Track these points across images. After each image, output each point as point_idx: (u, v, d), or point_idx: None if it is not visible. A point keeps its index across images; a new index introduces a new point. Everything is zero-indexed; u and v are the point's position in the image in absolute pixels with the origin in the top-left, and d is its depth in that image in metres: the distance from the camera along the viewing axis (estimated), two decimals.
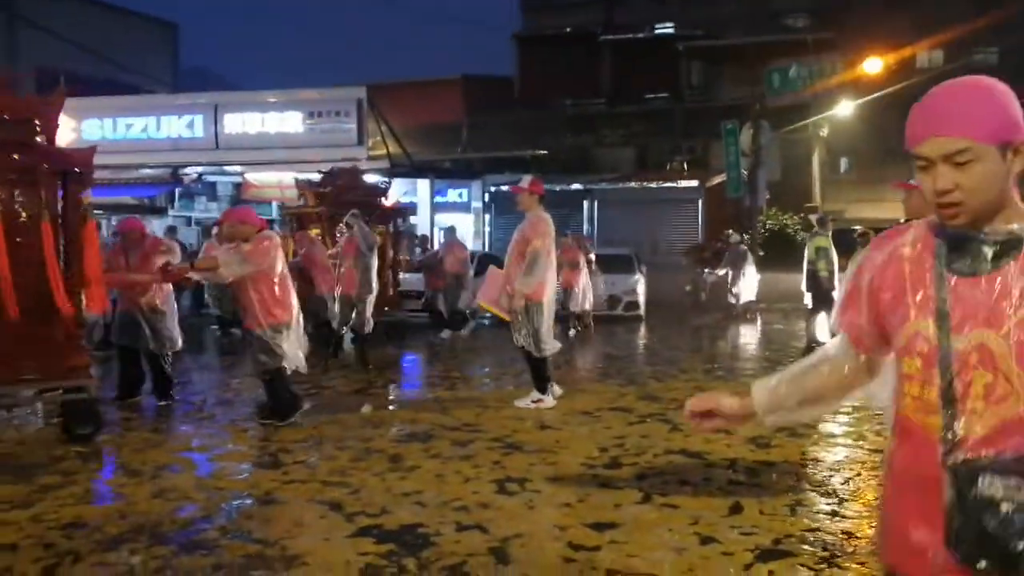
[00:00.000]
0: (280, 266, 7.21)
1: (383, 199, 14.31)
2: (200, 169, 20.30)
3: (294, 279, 11.55)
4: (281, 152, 17.55)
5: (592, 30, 31.92)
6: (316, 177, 14.15)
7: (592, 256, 15.95)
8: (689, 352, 12.95)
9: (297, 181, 15.17)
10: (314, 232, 13.08)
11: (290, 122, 18.80)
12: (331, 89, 20.12)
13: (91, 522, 4.85)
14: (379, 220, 13.61)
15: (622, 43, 31.28)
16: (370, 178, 15.04)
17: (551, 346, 8.01)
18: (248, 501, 5.27)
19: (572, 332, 14.47)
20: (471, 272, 14.74)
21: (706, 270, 19.93)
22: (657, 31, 33.92)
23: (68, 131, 19.90)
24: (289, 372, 7.33)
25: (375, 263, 10.75)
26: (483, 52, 41.00)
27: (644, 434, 7.04)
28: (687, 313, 18.80)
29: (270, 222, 13.47)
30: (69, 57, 23.44)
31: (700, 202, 23.88)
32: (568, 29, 32.59)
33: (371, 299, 10.68)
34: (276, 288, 7.13)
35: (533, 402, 7.96)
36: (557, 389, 8.18)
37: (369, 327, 10.75)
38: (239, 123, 19.07)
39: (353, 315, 10.67)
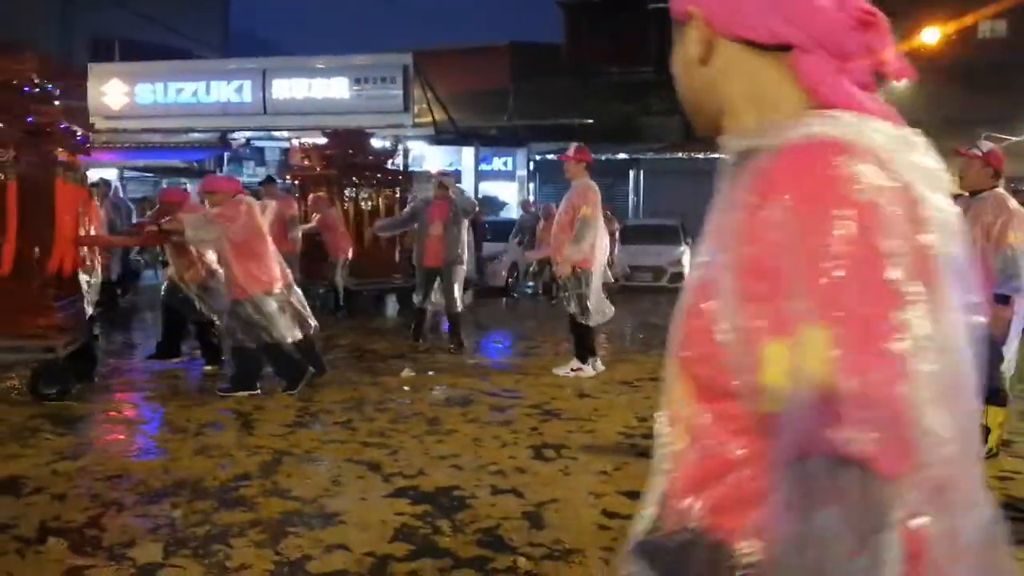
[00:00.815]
0: (258, 231, 7.00)
1: (391, 162, 14.04)
2: (248, 134, 20.47)
3: (307, 243, 11.77)
4: (328, 118, 17.57)
5: None
6: (321, 141, 13.98)
7: (616, 228, 15.66)
8: None
9: (301, 144, 15.01)
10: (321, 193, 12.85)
11: (337, 88, 18.86)
12: (378, 55, 20.11)
13: (135, 475, 4.97)
14: (386, 184, 13.46)
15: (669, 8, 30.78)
16: (376, 142, 14.84)
17: (599, 316, 7.97)
18: (288, 460, 5.35)
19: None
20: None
21: None
22: None
23: (121, 95, 20.22)
24: (285, 341, 7.08)
25: (466, 232, 9.86)
26: (531, 18, 40.58)
27: None
28: None
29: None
30: (123, 24, 23.76)
31: None
32: None
33: (461, 272, 9.57)
34: (258, 254, 6.94)
35: (573, 370, 7.95)
36: (600, 364, 8.13)
37: (459, 306, 9.55)
38: (287, 88, 19.18)
39: (435, 291, 9.56)
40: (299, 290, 7.47)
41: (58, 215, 6.70)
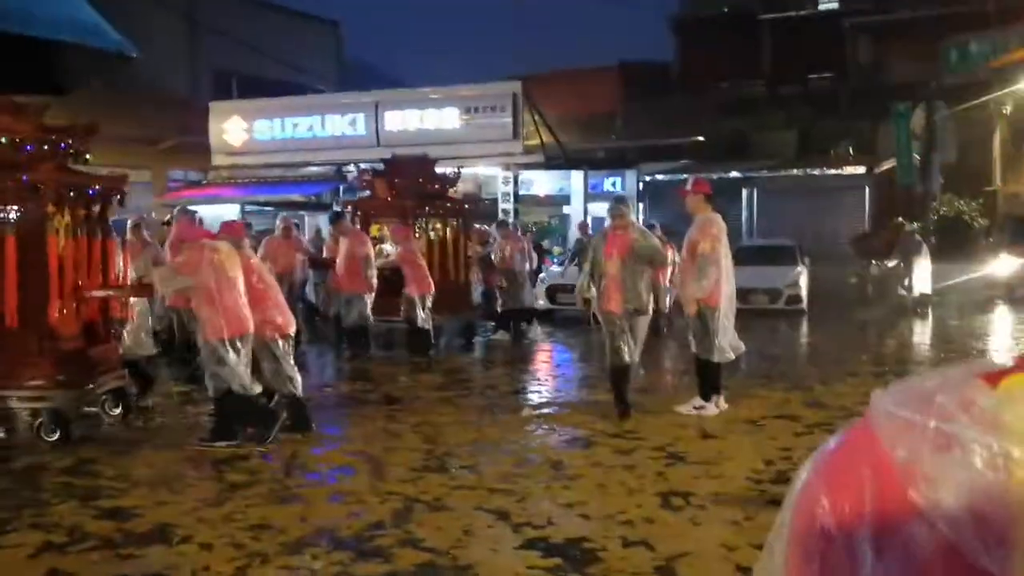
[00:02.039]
0: (223, 277, 6.80)
1: (452, 190, 13.51)
2: (363, 166, 21.02)
3: (383, 278, 11.16)
4: (439, 148, 17.93)
5: (751, 9, 30.97)
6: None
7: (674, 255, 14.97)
8: (856, 351, 12.43)
9: (360, 169, 14.65)
10: (376, 229, 12.44)
11: (448, 118, 19.23)
12: (487, 85, 20.41)
13: (276, 523, 5.15)
14: (452, 214, 12.96)
15: (783, 22, 30.21)
16: (480, 169, 14.56)
17: (726, 353, 7.84)
18: (419, 507, 5.45)
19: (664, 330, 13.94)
20: (527, 267, 13.99)
21: (873, 261, 19.04)
22: (821, 7, 32.53)
23: (241, 132, 21.10)
24: (247, 392, 6.91)
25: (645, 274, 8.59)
26: (640, 37, 40.45)
27: (812, 446, 6.73)
28: (853, 307, 18.03)
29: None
30: (243, 59, 24.80)
31: (867, 189, 22.80)
32: (726, 10, 31.73)
33: (643, 324, 8.12)
34: (220, 300, 6.74)
35: (695, 408, 7.84)
36: (723, 402, 7.99)
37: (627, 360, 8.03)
38: (399, 120, 19.66)
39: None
40: (281, 346, 7.29)
41: (54, 269, 6.93)
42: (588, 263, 8.03)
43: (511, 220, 17.79)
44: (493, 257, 13.67)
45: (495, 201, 20.29)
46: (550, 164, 20.89)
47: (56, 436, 6.99)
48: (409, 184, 12.59)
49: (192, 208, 14.18)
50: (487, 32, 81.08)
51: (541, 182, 22.60)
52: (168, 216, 12.11)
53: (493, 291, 13.77)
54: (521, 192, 21.03)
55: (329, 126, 20.48)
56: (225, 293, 6.78)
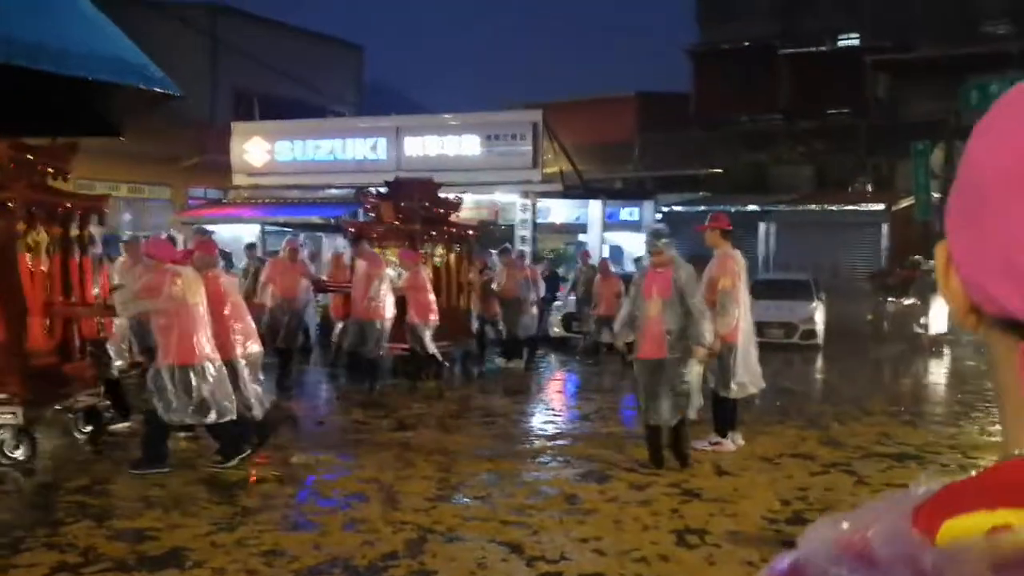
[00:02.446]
0: (181, 302, 6.70)
1: (455, 214, 13.21)
2: (383, 190, 21.09)
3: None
4: (458, 174, 18.03)
5: (770, 43, 31.07)
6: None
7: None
8: (872, 389, 12.35)
9: (364, 193, 13.99)
10: (377, 250, 11.75)
11: (468, 145, 19.33)
12: (508, 112, 20.56)
13: (289, 550, 5.14)
14: (453, 239, 12.72)
15: (802, 56, 30.24)
16: (500, 196, 14.33)
17: (742, 389, 7.80)
18: (432, 537, 5.43)
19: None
20: (532, 296, 13.92)
21: (890, 298, 18.98)
22: (841, 42, 32.61)
23: (263, 153, 21.26)
24: (204, 421, 6.83)
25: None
26: (657, 68, 40.65)
27: (828, 486, 6.78)
28: (868, 344, 17.94)
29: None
30: (262, 80, 25.04)
31: (885, 226, 22.74)
32: (746, 43, 31.85)
33: (694, 369, 7.36)
34: (177, 325, 6.67)
35: (711, 444, 7.79)
36: (740, 439, 7.95)
37: (692, 412, 7.28)
38: (419, 145, 19.78)
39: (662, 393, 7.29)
40: (242, 367, 7.21)
41: (24, 286, 6.95)
42: (628, 302, 7.39)
43: (519, 248, 17.81)
44: (494, 285, 13.58)
45: (512, 228, 20.34)
46: (568, 192, 20.94)
47: (19, 453, 6.91)
48: (414, 208, 12.25)
49: (208, 228, 14.30)
50: (506, 59, 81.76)
51: (558, 210, 22.65)
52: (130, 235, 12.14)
53: (493, 319, 13.62)
54: (538, 220, 21.07)
55: (350, 149, 20.63)
56: (184, 320, 6.70)
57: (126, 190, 22.37)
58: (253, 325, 7.68)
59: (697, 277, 7.28)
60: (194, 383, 6.67)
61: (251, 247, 14.68)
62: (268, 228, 20.90)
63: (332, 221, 18.87)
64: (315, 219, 19.77)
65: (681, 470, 7.07)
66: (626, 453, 7.67)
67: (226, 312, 7.21)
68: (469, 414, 9.88)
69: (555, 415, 10.14)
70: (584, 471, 7.17)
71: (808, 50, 30.48)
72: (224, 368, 6.93)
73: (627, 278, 15.33)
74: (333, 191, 20.76)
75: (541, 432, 8.88)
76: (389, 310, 10.67)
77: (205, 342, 6.78)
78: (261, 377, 7.58)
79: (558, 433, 8.85)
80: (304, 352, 13.21)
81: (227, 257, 14.51)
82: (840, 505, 6.27)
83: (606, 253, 21.37)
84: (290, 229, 20.63)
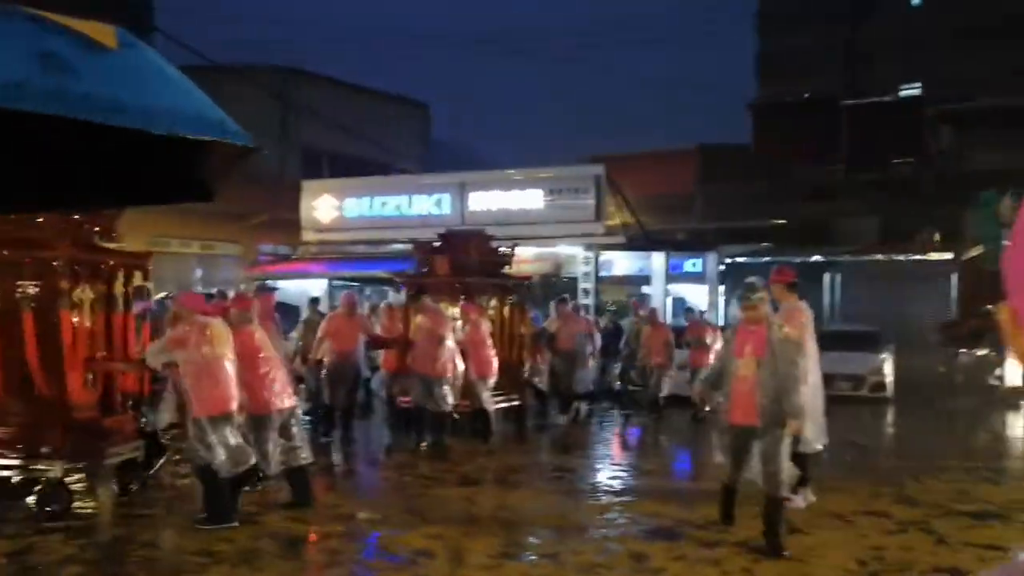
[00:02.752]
0: (210, 353, 6.79)
1: (509, 266, 12.89)
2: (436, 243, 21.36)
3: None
4: (522, 228, 18.17)
5: (831, 95, 31.00)
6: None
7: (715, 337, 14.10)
8: (947, 444, 12.01)
9: (416, 243, 13.65)
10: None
11: (531, 199, 19.49)
12: (570, 167, 20.71)
13: None
14: (508, 291, 12.48)
15: (864, 107, 30.10)
16: (563, 249, 13.93)
17: (814, 443, 7.66)
18: None
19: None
20: (589, 349, 13.73)
21: (962, 350, 18.51)
22: (902, 94, 32.36)
23: (331, 209, 21.74)
24: (228, 472, 6.80)
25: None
26: (717, 121, 40.79)
27: (906, 546, 6.60)
28: (941, 397, 17.45)
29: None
30: (331, 138, 25.72)
31: (954, 276, 22.26)
32: (807, 95, 31.81)
33: (784, 439, 6.54)
34: (207, 377, 6.76)
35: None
36: (811, 495, 7.79)
37: (783, 489, 6.47)
38: (483, 201, 20.01)
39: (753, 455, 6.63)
40: (272, 422, 7.25)
41: (66, 342, 7.11)
42: (718, 359, 6.90)
43: (582, 300, 17.79)
44: (544, 336, 13.39)
45: (575, 280, 20.38)
46: (631, 245, 20.95)
47: (56, 508, 6.98)
48: (469, 260, 12.11)
49: (272, 284, 14.53)
50: (568, 114, 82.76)
51: (621, 262, 22.63)
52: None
53: (538, 372, 13.13)
54: (602, 272, 21.08)
55: (416, 205, 20.95)
56: (216, 369, 6.79)
57: (198, 246, 23.06)
58: (287, 380, 7.71)
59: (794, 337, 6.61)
60: (220, 433, 6.76)
61: (314, 301, 14.74)
62: (335, 283, 21.26)
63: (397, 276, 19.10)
64: (380, 273, 20.06)
65: (751, 527, 6.96)
66: (694, 510, 7.57)
67: (260, 367, 7.28)
68: (532, 469, 9.86)
69: (620, 470, 10.06)
70: (651, 528, 7.10)
71: (870, 101, 30.33)
72: (248, 422, 7.05)
73: (678, 329, 15.27)
74: (399, 246, 21.08)
75: (606, 488, 8.81)
76: (456, 366, 10.52)
77: (230, 395, 6.85)
78: (295, 431, 7.54)
79: (623, 489, 8.78)
80: (365, 408, 13.17)
81: (294, 312, 14.76)
82: (919, 566, 6.11)
83: (670, 305, 21.27)
84: (356, 284, 21.00)
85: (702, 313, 16.92)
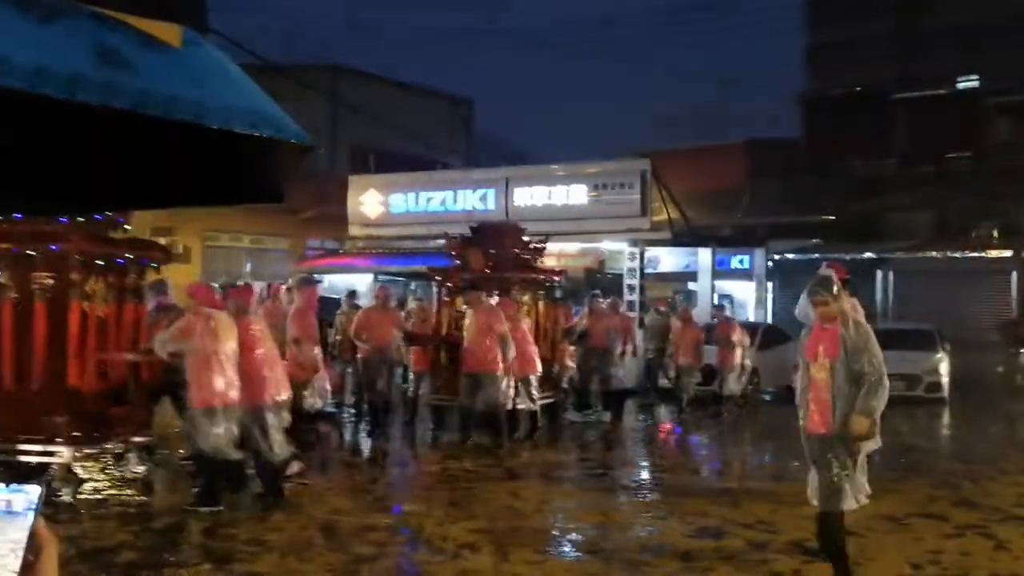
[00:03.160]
0: (212, 346, 6.87)
1: (539, 259, 12.55)
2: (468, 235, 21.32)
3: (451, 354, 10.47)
4: (566, 223, 18.07)
5: (884, 88, 30.34)
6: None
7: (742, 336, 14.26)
8: (1006, 446, 11.67)
9: (449, 236, 13.29)
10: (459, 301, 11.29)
11: (575, 194, 19.33)
12: (616, 162, 20.51)
13: None
14: (542, 287, 12.22)
15: (918, 100, 29.43)
16: (608, 244, 13.59)
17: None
18: None
19: (726, 414, 13.57)
20: (624, 347, 13.35)
21: (1022, 349, 18.03)
22: (959, 85, 31.59)
23: (378, 205, 21.83)
24: (219, 458, 6.93)
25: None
26: (766, 114, 40.31)
27: (964, 551, 6.38)
28: (1000, 397, 16.99)
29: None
30: (378, 134, 25.86)
31: (1014, 273, 21.67)
32: (858, 89, 31.18)
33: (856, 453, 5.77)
34: (207, 368, 6.84)
35: None
36: (864, 497, 7.56)
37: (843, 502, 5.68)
38: (528, 196, 19.89)
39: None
40: (273, 417, 7.25)
41: (72, 332, 7.19)
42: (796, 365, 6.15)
43: (627, 297, 17.59)
44: (575, 333, 13.04)
45: (620, 276, 20.21)
46: (677, 240, 20.70)
47: (65, 492, 7.08)
48: (502, 253, 11.73)
49: (317, 277, 14.52)
50: (614, 109, 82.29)
51: (667, 258, 22.43)
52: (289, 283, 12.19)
53: (565, 368, 12.70)
54: (648, 268, 20.88)
55: (460, 200, 20.92)
56: (216, 361, 6.86)
57: (248, 241, 23.36)
58: (284, 373, 7.70)
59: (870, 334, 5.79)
60: (225, 421, 6.87)
61: (351, 294, 14.58)
62: (380, 277, 21.35)
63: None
64: (424, 268, 20.11)
65: (801, 528, 6.79)
66: (743, 509, 7.42)
67: (257, 359, 7.31)
68: (578, 466, 9.77)
69: (666, 468, 9.93)
70: (698, 527, 6.96)
71: (925, 93, 29.65)
72: (242, 414, 7.06)
73: (709, 327, 14.94)
74: (443, 241, 21.10)
75: (652, 485, 8.71)
76: (509, 363, 10.21)
77: (228, 386, 6.92)
78: (287, 423, 7.49)
79: (668, 486, 8.65)
80: (406, 404, 12.87)
81: (336, 305, 14.74)
82: (978, 572, 5.91)
83: (716, 301, 20.99)
84: (402, 278, 21.09)
85: (722, 308, 16.79)
